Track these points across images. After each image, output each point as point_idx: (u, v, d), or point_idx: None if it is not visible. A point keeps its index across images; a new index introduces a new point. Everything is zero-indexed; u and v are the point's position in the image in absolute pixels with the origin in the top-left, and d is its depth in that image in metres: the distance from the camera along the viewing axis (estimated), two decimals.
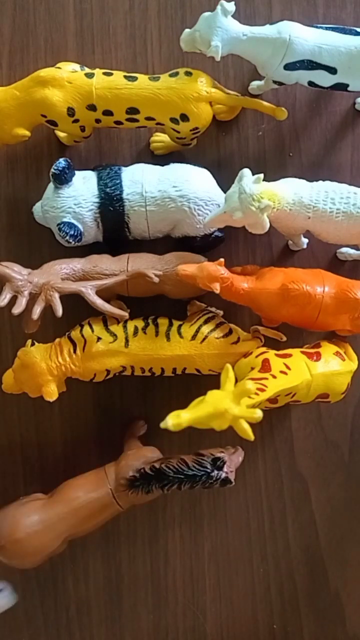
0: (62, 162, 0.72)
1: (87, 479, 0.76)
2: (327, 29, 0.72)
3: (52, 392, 0.73)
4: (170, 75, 0.73)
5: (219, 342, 0.74)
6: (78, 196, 0.74)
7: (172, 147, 0.81)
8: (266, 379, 0.66)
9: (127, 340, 0.74)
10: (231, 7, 0.69)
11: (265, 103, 0.76)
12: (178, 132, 0.75)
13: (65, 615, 0.87)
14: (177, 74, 0.73)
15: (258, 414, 0.52)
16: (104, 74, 0.74)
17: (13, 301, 0.69)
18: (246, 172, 0.68)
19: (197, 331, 0.74)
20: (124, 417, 0.85)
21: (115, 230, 0.77)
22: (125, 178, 0.75)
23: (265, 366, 0.69)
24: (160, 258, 0.76)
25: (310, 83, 0.74)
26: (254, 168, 0.71)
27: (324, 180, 0.73)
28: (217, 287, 0.70)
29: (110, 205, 0.74)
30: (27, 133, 0.75)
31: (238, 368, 0.72)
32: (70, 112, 0.73)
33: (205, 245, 0.79)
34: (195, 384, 0.78)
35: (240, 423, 0.53)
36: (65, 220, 0.74)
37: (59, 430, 0.85)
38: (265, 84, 0.79)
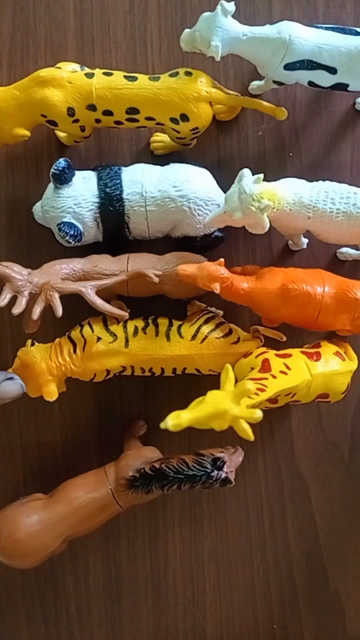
0: (62, 162, 0.72)
1: (87, 479, 0.76)
2: (327, 29, 0.72)
3: (52, 392, 0.73)
4: (170, 75, 0.73)
5: (219, 342, 0.74)
6: (78, 196, 0.74)
7: (172, 147, 0.81)
8: (266, 379, 0.66)
9: (127, 340, 0.74)
10: (231, 7, 0.69)
11: (265, 103, 0.76)
12: (178, 132, 0.75)
13: (65, 615, 0.87)
14: (177, 74, 0.73)
15: (258, 414, 0.52)
16: (104, 74, 0.74)
17: (13, 301, 0.69)
18: (246, 172, 0.69)
19: (197, 331, 0.74)
20: (124, 417, 0.85)
21: (115, 230, 0.77)
22: (125, 178, 0.75)
23: (265, 366, 0.69)
24: (160, 258, 0.76)
25: (310, 83, 0.74)
26: (254, 168, 0.71)
27: (324, 180, 0.73)
28: (217, 287, 0.70)
29: (110, 205, 0.74)
30: (27, 133, 0.75)
31: (238, 368, 0.73)
32: (70, 112, 0.73)
33: (205, 245, 0.79)
34: (195, 384, 0.78)
35: (240, 423, 0.53)
36: (65, 220, 0.74)
37: (59, 430, 0.86)
38: (265, 84, 0.79)
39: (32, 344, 0.75)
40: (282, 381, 0.66)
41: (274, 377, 0.67)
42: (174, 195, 0.74)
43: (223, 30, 0.70)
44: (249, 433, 0.53)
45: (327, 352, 0.74)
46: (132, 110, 0.73)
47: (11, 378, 0.71)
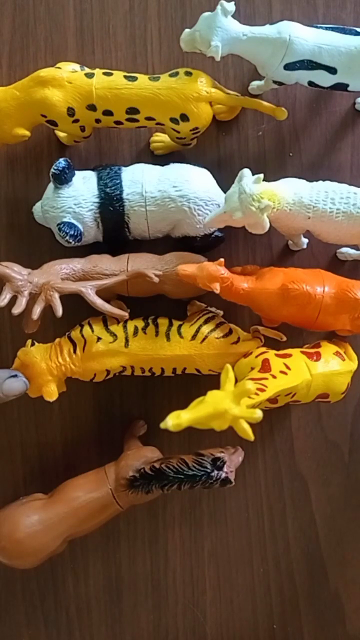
0: (62, 162, 0.72)
1: (87, 479, 0.76)
2: (327, 29, 0.72)
3: (52, 392, 0.73)
4: (170, 75, 0.73)
5: (219, 342, 0.74)
6: (78, 196, 0.74)
7: (172, 147, 0.81)
8: (266, 379, 0.66)
9: (127, 340, 0.74)
10: (231, 7, 0.69)
11: (265, 103, 0.76)
12: (178, 132, 0.75)
13: (65, 615, 0.87)
14: (177, 74, 0.73)
15: (258, 414, 0.52)
16: (104, 74, 0.74)
17: (13, 301, 0.69)
18: (246, 172, 0.68)
19: (197, 331, 0.74)
20: (124, 417, 0.85)
21: (115, 230, 0.77)
22: (125, 178, 0.75)
23: (265, 366, 0.69)
24: (160, 258, 0.76)
25: (310, 83, 0.74)
26: (254, 168, 0.71)
27: (324, 180, 0.73)
28: (217, 287, 0.70)
29: (110, 205, 0.74)
30: (27, 133, 0.75)
31: (238, 368, 0.72)
32: (70, 112, 0.73)
33: (205, 245, 0.79)
34: (195, 384, 0.78)
35: (240, 423, 0.53)
36: (65, 220, 0.74)
37: (59, 430, 0.85)
38: (265, 84, 0.79)
39: (32, 344, 0.75)
40: (282, 381, 0.66)
41: (274, 377, 0.67)
42: (174, 195, 0.74)
43: (223, 30, 0.70)
44: (249, 433, 0.53)
45: (327, 352, 0.74)
46: (132, 110, 0.73)
47: (15, 375, 0.71)
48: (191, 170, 0.76)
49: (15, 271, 0.70)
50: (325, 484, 0.87)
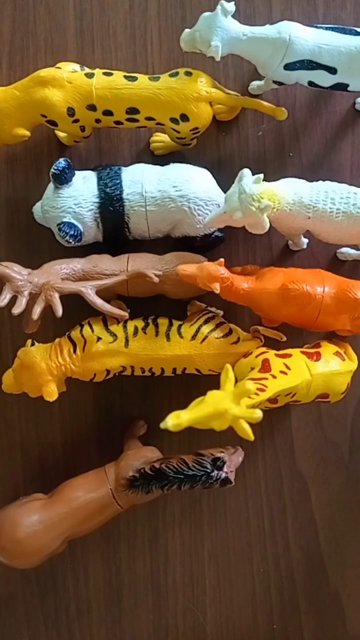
0: (62, 162, 0.72)
1: (87, 479, 0.76)
2: (327, 29, 0.72)
3: (52, 392, 0.73)
4: (170, 75, 0.73)
5: (219, 342, 0.74)
6: (78, 196, 0.74)
7: (172, 147, 0.81)
8: (266, 379, 0.66)
9: (127, 340, 0.74)
10: (231, 7, 0.69)
11: (265, 103, 0.76)
12: (178, 132, 0.75)
13: (65, 615, 0.87)
14: (177, 74, 0.73)
15: (258, 414, 0.52)
16: (104, 74, 0.74)
17: (13, 301, 0.69)
18: (246, 172, 0.69)
19: (197, 331, 0.74)
20: (124, 417, 0.85)
21: (115, 230, 0.77)
22: (125, 178, 0.75)
23: (265, 366, 0.69)
24: (160, 258, 0.76)
25: (310, 83, 0.74)
26: (254, 168, 0.71)
27: (324, 180, 0.73)
28: (217, 287, 0.70)
29: (110, 205, 0.74)
30: (27, 133, 0.75)
31: (238, 368, 0.72)
32: (70, 112, 0.73)
33: (205, 245, 0.79)
34: (195, 384, 0.78)
35: (240, 423, 0.53)
36: (65, 220, 0.74)
37: (59, 430, 0.85)
38: (265, 84, 0.79)
39: (32, 344, 0.75)
40: (282, 381, 0.66)
41: (274, 377, 0.67)
42: (174, 195, 0.74)
43: (223, 30, 0.70)
44: (249, 433, 0.53)
45: (327, 352, 0.74)
46: (132, 110, 0.73)
47: None
48: (191, 170, 0.76)
49: (15, 271, 0.70)
50: (325, 484, 0.87)
